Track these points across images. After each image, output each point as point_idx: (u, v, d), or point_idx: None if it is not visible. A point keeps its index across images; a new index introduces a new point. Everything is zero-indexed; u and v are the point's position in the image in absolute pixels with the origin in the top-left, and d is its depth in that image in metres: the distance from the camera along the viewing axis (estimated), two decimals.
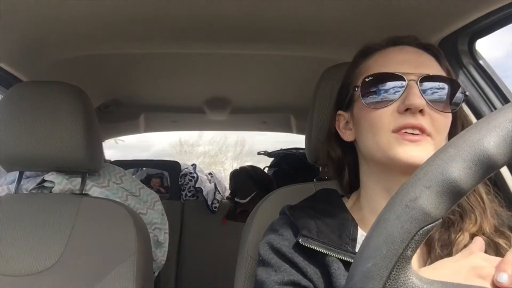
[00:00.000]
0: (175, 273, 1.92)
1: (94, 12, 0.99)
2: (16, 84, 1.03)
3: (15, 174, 1.05)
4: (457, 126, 0.60)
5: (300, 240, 0.57)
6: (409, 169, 0.53)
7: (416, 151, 0.53)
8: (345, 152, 0.68)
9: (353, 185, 0.68)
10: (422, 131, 0.53)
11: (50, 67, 1.28)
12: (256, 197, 1.93)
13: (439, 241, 0.53)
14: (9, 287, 0.85)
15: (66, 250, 0.88)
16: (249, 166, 2.22)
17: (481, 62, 1.01)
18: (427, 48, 0.62)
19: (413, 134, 0.54)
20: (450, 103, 0.57)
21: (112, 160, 2.18)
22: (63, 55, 1.24)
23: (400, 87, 0.55)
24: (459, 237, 0.52)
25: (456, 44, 0.99)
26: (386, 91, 0.56)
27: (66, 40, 1.15)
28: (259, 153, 2.44)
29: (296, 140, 2.35)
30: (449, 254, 0.51)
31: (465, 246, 0.51)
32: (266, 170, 2.30)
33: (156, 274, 1.30)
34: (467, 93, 0.59)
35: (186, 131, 2.62)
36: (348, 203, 0.66)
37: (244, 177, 2.08)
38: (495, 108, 0.96)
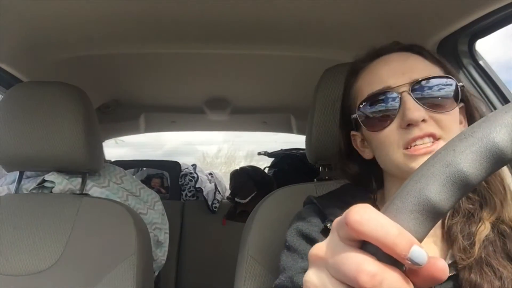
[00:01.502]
0: (175, 273, 1.92)
1: (94, 12, 0.99)
2: (16, 84, 1.03)
3: (16, 174, 1.05)
4: (474, 116, 0.59)
5: (328, 225, 0.58)
6: None
7: None
8: (364, 167, 0.67)
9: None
10: (432, 136, 0.53)
11: (50, 67, 1.28)
12: (256, 197, 1.93)
13: (461, 233, 0.52)
14: (9, 287, 0.85)
15: (66, 250, 0.88)
16: (249, 166, 2.22)
17: (481, 62, 1.01)
18: (410, 49, 0.61)
19: (424, 145, 0.53)
20: (452, 97, 0.56)
21: (114, 160, 2.18)
22: (63, 55, 1.24)
23: (395, 103, 0.55)
24: (480, 227, 0.52)
25: (456, 44, 0.99)
26: (383, 110, 0.56)
27: (66, 40, 1.15)
28: (259, 153, 2.44)
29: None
30: (472, 244, 0.51)
31: (487, 236, 0.51)
32: (266, 170, 2.30)
33: (156, 274, 1.30)
34: (461, 84, 0.57)
35: (186, 131, 2.62)
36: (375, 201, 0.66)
37: (244, 177, 2.08)
38: (495, 108, 0.96)
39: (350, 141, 0.68)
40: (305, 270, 0.54)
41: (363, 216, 0.24)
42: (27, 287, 0.85)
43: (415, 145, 0.54)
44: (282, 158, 2.27)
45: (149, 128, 2.22)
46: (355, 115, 0.60)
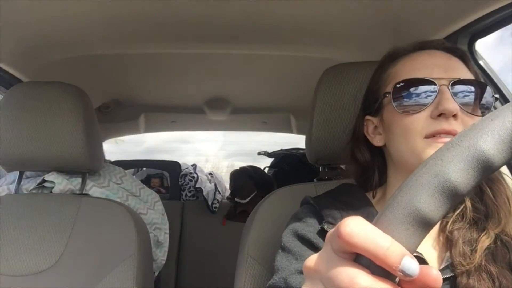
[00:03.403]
0: (175, 273, 1.92)
1: (94, 12, 0.99)
2: (16, 84, 1.03)
3: (15, 174, 1.05)
4: None
5: (325, 226, 0.58)
6: None
7: None
8: (373, 156, 0.68)
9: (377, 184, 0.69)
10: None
11: (50, 67, 1.28)
12: (256, 197, 1.93)
13: (462, 238, 0.53)
14: (9, 287, 0.85)
15: (66, 250, 0.88)
16: (249, 166, 2.22)
17: (481, 62, 1.01)
18: (454, 51, 0.62)
19: (448, 139, 0.53)
20: (480, 106, 0.57)
21: (112, 160, 2.18)
22: (63, 55, 1.24)
23: (432, 92, 0.56)
24: (483, 235, 0.52)
25: (456, 44, 0.99)
26: (418, 96, 0.57)
27: (66, 40, 1.15)
28: (259, 153, 2.43)
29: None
30: (473, 251, 0.51)
31: (489, 245, 0.51)
32: (266, 170, 2.30)
33: (156, 274, 1.30)
34: (497, 96, 0.59)
35: (186, 131, 2.62)
36: (372, 200, 0.66)
37: (244, 177, 2.08)
38: (495, 108, 0.96)
39: (363, 126, 0.68)
40: (299, 271, 0.56)
41: (354, 228, 0.25)
42: (27, 287, 0.85)
43: (440, 136, 0.54)
44: (282, 158, 2.27)
45: (149, 128, 2.22)
46: (389, 93, 0.60)
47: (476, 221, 0.54)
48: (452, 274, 0.51)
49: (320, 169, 0.95)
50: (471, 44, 1.00)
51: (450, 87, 0.55)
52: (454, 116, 0.54)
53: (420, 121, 0.56)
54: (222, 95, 1.80)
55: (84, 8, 0.97)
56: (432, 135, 0.54)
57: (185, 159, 2.32)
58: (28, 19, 1.00)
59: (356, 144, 0.69)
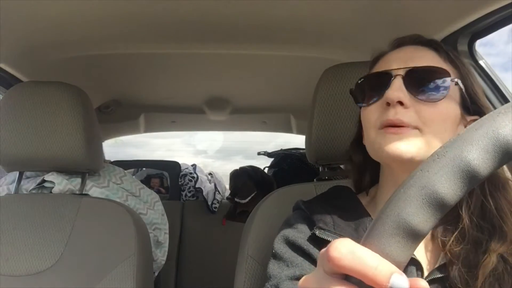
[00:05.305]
0: (175, 273, 1.92)
1: (94, 12, 0.99)
2: (16, 84, 1.03)
3: (15, 174, 1.05)
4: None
5: (317, 232, 0.57)
6: (402, 164, 0.53)
7: (399, 143, 0.52)
8: (367, 156, 0.67)
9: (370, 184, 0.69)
10: (403, 125, 0.52)
11: (50, 67, 1.28)
12: (256, 197, 1.93)
13: (463, 262, 0.49)
14: (9, 287, 0.85)
15: (66, 250, 0.89)
16: (249, 166, 2.22)
17: (481, 62, 1.01)
18: (428, 43, 0.61)
19: (396, 127, 0.53)
20: (435, 92, 0.54)
21: (114, 160, 2.18)
22: (63, 55, 1.24)
23: (386, 82, 0.55)
24: (485, 259, 0.48)
25: (456, 44, 0.99)
26: (374, 89, 0.57)
27: (66, 40, 1.15)
28: (259, 153, 2.43)
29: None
30: (474, 276, 0.47)
31: (493, 270, 0.47)
32: (266, 170, 2.30)
33: (156, 274, 1.30)
34: (456, 80, 0.56)
35: (186, 131, 2.62)
36: (364, 200, 0.66)
37: (244, 178, 2.08)
38: (495, 108, 0.96)
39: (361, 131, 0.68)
40: (290, 278, 0.55)
41: (342, 251, 0.26)
42: (27, 287, 0.85)
43: (388, 128, 0.53)
44: (282, 158, 2.27)
45: (149, 128, 2.23)
46: (352, 89, 0.62)
47: (481, 241, 0.50)
48: (443, 275, 0.50)
49: (320, 169, 0.95)
50: (471, 44, 1.00)
51: (404, 76, 0.54)
52: (402, 104, 0.53)
53: (374, 113, 0.56)
54: (222, 95, 1.80)
55: (84, 8, 0.97)
56: (383, 126, 0.54)
57: (155, 154, 2.32)
58: (28, 19, 1.00)
59: (352, 145, 0.70)
